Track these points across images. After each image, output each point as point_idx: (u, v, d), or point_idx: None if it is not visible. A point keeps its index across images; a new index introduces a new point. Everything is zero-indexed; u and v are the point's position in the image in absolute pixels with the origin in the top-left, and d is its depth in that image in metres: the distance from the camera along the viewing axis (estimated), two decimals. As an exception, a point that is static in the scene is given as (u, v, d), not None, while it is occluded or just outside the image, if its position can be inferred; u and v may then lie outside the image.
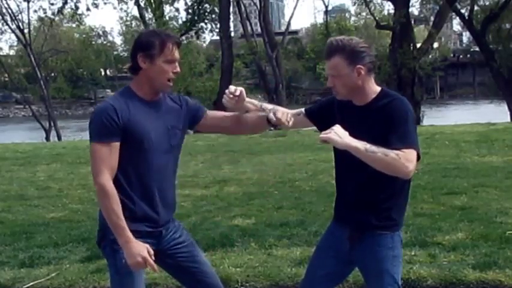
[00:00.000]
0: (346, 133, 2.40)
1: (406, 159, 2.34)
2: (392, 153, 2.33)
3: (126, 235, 2.46)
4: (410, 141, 2.38)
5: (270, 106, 2.82)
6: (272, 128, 2.67)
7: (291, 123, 2.60)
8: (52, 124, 28.66)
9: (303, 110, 2.82)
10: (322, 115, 2.70)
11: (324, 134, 2.40)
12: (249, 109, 2.78)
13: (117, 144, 2.50)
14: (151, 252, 2.48)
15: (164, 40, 2.53)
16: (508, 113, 22.79)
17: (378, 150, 2.34)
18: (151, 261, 2.46)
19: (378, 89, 2.55)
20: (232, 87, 2.68)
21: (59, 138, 25.60)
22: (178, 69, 2.58)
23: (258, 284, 4.14)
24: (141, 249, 2.45)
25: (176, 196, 2.77)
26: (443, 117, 27.90)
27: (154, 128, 2.56)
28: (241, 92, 2.67)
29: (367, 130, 2.44)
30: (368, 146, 2.36)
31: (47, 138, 26.88)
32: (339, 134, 2.39)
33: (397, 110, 2.44)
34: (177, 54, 2.57)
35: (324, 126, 2.50)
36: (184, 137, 2.76)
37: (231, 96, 2.63)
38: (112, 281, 2.64)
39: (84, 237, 5.28)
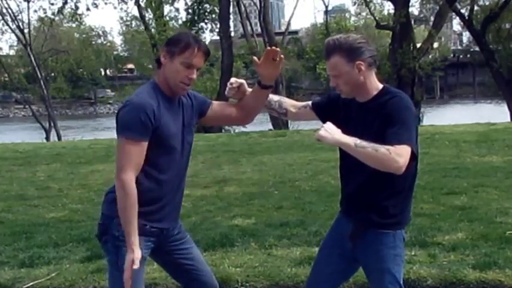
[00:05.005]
0: (338, 130, 2.40)
1: (396, 154, 2.32)
2: (383, 149, 2.32)
3: (133, 241, 2.45)
4: (405, 138, 2.37)
5: (276, 98, 2.86)
6: (267, 88, 2.72)
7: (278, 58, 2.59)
8: (52, 124, 28.66)
9: (309, 102, 2.83)
10: (327, 109, 2.70)
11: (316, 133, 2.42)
12: None
13: (146, 144, 2.48)
14: (136, 266, 2.45)
15: (190, 42, 2.50)
16: (508, 113, 22.78)
17: (369, 146, 2.34)
18: (128, 277, 2.44)
19: (380, 86, 2.55)
20: (233, 79, 2.78)
21: (59, 138, 25.59)
22: (194, 76, 2.54)
23: (258, 284, 4.14)
24: (132, 261, 2.43)
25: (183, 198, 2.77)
26: (443, 117, 27.88)
27: (176, 126, 2.56)
28: (241, 84, 2.75)
29: (369, 127, 2.45)
30: (358, 141, 2.36)
31: (47, 138, 26.89)
32: (329, 130, 2.40)
33: (395, 106, 2.44)
34: (198, 61, 2.53)
35: (327, 120, 2.49)
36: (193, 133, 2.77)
37: (230, 87, 2.74)
38: (111, 277, 2.62)
39: (84, 237, 5.28)
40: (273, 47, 2.62)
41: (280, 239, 5.03)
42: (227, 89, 2.77)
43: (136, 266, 2.44)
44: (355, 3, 30.79)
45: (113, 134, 2.63)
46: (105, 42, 59.58)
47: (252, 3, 30.34)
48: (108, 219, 2.57)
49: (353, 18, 44.42)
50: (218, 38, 24.76)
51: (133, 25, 32.61)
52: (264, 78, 2.67)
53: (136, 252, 2.45)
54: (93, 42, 53.59)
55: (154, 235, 2.61)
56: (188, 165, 2.73)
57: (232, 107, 2.80)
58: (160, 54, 2.56)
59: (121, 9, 51.08)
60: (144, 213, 2.55)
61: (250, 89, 2.79)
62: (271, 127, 21.64)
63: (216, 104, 2.80)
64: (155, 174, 2.54)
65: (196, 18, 26.75)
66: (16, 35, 29.92)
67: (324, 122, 2.54)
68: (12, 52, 45.13)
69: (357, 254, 2.63)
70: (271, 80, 2.69)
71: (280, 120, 22.83)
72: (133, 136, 2.45)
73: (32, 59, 28.70)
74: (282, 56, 2.60)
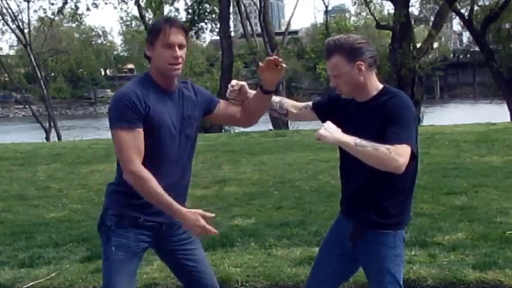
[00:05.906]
0: (338, 129, 2.40)
1: (397, 153, 2.32)
2: (383, 148, 2.33)
3: (177, 209, 2.48)
4: (405, 137, 2.37)
5: (277, 99, 2.86)
6: (268, 93, 2.73)
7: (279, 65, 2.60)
8: (52, 124, 28.67)
9: (310, 103, 2.84)
10: (327, 109, 2.71)
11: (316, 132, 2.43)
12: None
13: (141, 130, 2.45)
14: (210, 215, 2.52)
15: (160, 24, 2.50)
16: (508, 113, 22.78)
17: (368, 145, 2.34)
18: (209, 227, 2.50)
19: (380, 86, 2.56)
20: (234, 81, 2.78)
21: (59, 138, 25.60)
22: (177, 53, 2.49)
23: (258, 284, 4.14)
24: (196, 219, 2.48)
25: (188, 191, 2.79)
26: (443, 117, 27.89)
27: (171, 117, 2.54)
28: (242, 86, 2.76)
29: (368, 127, 2.45)
30: (358, 140, 2.36)
31: (47, 138, 26.89)
32: (329, 130, 2.40)
33: (395, 106, 2.44)
34: (174, 38, 2.48)
35: (327, 120, 2.49)
36: (199, 128, 2.74)
37: (232, 89, 2.74)
38: (103, 267, 2.65)
39: (84, 237, 5.28)
40: (274, 56, 2.65)
41: (280, 239, 5.02)
42: (228, 91, 2.78)
43: (205, 226, 2.49)
44: (355, 3, 30.86)
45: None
46: (105, 42, 59.73)
47: (252, 3, 30.32)
48: (105, 210, 2.60)
49: (353, 18, 44.46)
50: (218, 38, 24.77)
51: (133, 25, 32.69)
52: (265, 83, 2.69)
53: (188, 210, 2.50)
54: (93, 42, 53.72)
55: (149, 229, 2.60)
56: (191, 160, 2.72)
57: (237, 108, 2.81)
58: (146, 49, 2.56)
59: (121, 9, 51.24)
60: (139, 206, 2.55)
61: (251, 90, 2.80)
62: (271, 127, 21.64)
63: (222, 103, 2.80)
64: (148, 165, 2.49)
65: (196, 18, 26.76)
66: (16, 35, 29.94)
67: (324, 122, 2.55)
68: (12, 52, 45.28)
69: (357, 254, 2.64)
70: (272, 85, 2.70)
71: (280, 120, 22.85)
72: (124, 124, 2.43)
73: (32, 59, 28.71)
74: (283, 65, 2.61)
